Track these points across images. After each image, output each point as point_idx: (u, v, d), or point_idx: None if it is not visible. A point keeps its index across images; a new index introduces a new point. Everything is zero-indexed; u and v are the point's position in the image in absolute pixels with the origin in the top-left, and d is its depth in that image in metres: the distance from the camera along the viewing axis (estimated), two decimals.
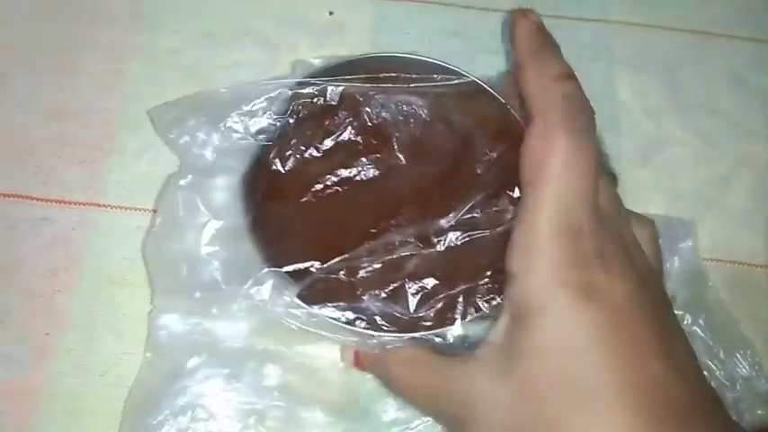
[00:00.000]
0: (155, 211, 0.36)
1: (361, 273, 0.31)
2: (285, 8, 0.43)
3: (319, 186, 0.33)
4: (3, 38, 0.41)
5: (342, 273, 0.31)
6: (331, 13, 0.43)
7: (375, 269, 0.31)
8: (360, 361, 0.33)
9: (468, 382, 0.27)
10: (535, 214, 0.26)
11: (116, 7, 0.42)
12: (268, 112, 0.34)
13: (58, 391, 0.34)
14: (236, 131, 0.34)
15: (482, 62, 0.42)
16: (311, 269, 0.31)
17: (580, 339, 0.24)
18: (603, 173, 0.28)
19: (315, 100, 0.34)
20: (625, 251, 0.27)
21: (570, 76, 0.29)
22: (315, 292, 0.31)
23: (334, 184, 0.33)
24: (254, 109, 0.34)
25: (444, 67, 0.35)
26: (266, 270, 0.31)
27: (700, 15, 0.44)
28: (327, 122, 0.33)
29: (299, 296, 0.31)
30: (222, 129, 0.34)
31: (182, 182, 0.33)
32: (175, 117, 0.35)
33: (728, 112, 0.41)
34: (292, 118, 0.34)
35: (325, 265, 0.31)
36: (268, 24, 0.43)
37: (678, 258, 0.35)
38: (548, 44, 0.30)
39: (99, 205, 0.37)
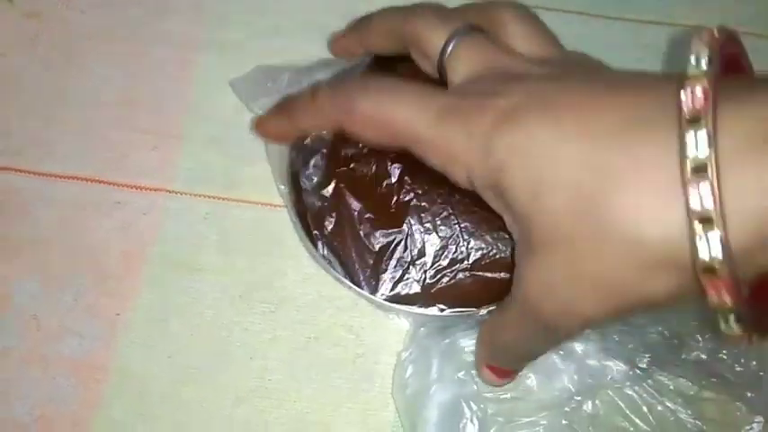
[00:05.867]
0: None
1: None
2: (351, 4, 0.43)
3: None
4: (78, 29, 0.42)
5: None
6: None
7: None
8: (501, 371, 0.31)
9: (528, 285, 0.25)
10: (418, 146, 0.27)
11: (186, 1, 0.43)
12: None
13: (126, 371, 0.34)
14: None
15: None
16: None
17: (537, 152, 0.23)
18: (461, 36, 0.29)
19: None
20: (515, 76, 0.26)
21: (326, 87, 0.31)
22: None
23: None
24: None
25: None
26: None
27: (766, 18, 0.44)
28: None
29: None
30: None
31: None
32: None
33: None
34: None
35: None
36: (335, 19, 0.43)
37: None
38: (281, 107, 0.33)
39: (169, 191, 0.38)
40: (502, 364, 0.31)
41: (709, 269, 0.20)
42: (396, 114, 0.27)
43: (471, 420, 0.32)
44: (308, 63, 0.38)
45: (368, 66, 0.36)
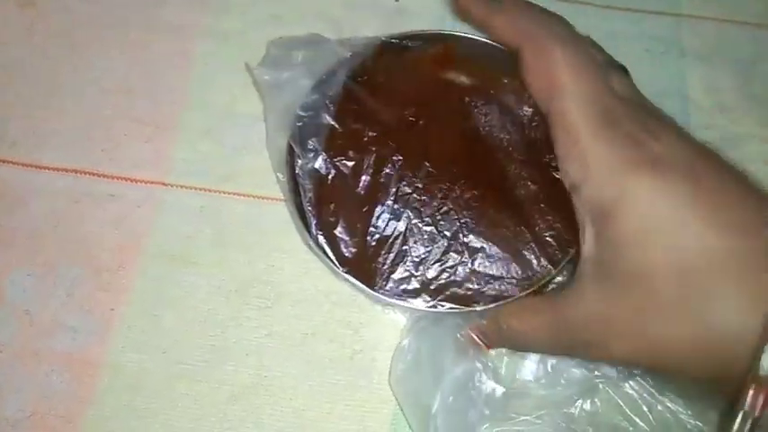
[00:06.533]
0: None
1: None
2: None
3: None
4: (74, 18, 0.42)
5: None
6: (397, 0, 0.43)
7: None
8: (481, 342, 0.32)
9: (580, 302, 0.26)
10: (568, 119, 0.27)
11: None
12: None
13: (120, 367, 0.34)
14: None
15: None
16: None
17: (667, 209, 0.24)
18: (612, 68, 0.29)
19: None
20: (662, 122, 0.27)
21: (528, 3, 0.30)
22: None
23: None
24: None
25: None
26: None
27: None
28: None
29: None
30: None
31: None
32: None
33: None
34: None
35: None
36: (335, 8, 0.42)
37: None
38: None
39: (164, 184, 0.37)
40: (493, 343, 0.31)
41: (758, 379, 0.22)
42: (571, 86, 0.27)
43: (485, 371, 0.32)
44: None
45: (379, 46, 0.35)
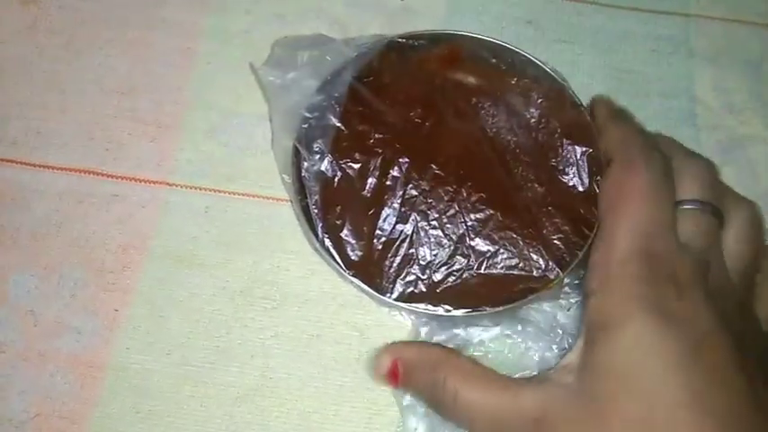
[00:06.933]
0: None
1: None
2: None
3: None
4: (77, 16, 0.41)
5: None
6: None
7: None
8: (396, 372, 0.30)
9: (542, 404, 0.26)
10: (614, 237, 0.27)
11: None
12: None
13: (125, 368, 0.34)
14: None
15: (555, 51, 0.41)
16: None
17: (654, 361, 0.25)
18: (705, 212, 0.29)
19: None
20: (703, 286, 0.27)
21: (649, 135, 0.31)
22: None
23: None
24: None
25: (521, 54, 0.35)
26: None
27: None
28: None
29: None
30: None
31: None
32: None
33: None
34: None
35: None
36: (338, 7, 0.42)
37: None
38: (625, 112, 0.33)
39: (169, 184, 0.37)
40: (411, 384, 0.31)
41: None
42: (634, 213, 0.28)
43: None
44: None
45: (384, 46, 0.35)
